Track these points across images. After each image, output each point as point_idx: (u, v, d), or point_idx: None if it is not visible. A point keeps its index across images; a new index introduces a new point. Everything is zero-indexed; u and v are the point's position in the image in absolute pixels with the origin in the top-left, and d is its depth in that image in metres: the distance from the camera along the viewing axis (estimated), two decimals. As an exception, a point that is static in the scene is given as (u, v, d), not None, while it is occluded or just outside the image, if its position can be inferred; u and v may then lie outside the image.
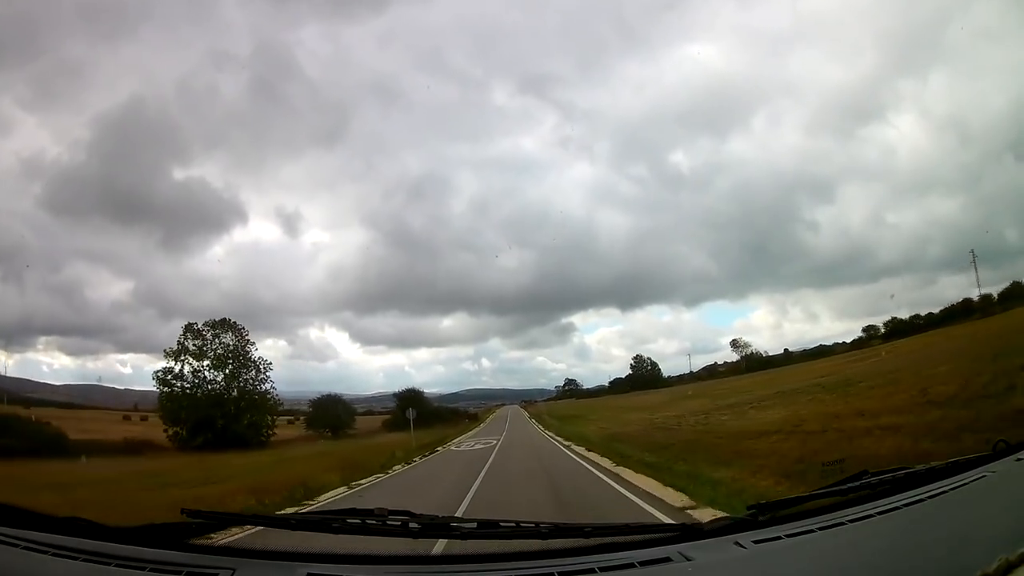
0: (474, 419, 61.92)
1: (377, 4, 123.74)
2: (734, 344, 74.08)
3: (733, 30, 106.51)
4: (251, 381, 40.08)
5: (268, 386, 40.90)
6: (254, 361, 40.67)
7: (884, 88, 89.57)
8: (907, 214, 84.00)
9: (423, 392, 55.44)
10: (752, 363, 65.06)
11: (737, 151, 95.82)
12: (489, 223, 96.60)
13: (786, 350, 64.81)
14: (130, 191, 72.07)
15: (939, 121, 79.99)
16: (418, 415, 36.50)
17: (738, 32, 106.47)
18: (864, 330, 56.56)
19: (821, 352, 56.02)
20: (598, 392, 79.25)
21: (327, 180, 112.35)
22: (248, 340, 41.12)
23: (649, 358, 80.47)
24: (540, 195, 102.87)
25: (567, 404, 70.04)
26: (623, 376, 79.32)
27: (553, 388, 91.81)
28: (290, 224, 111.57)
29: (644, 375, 75.50)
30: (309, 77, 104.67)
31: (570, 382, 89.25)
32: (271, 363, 41.50)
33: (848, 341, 56.21)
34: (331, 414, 47.13)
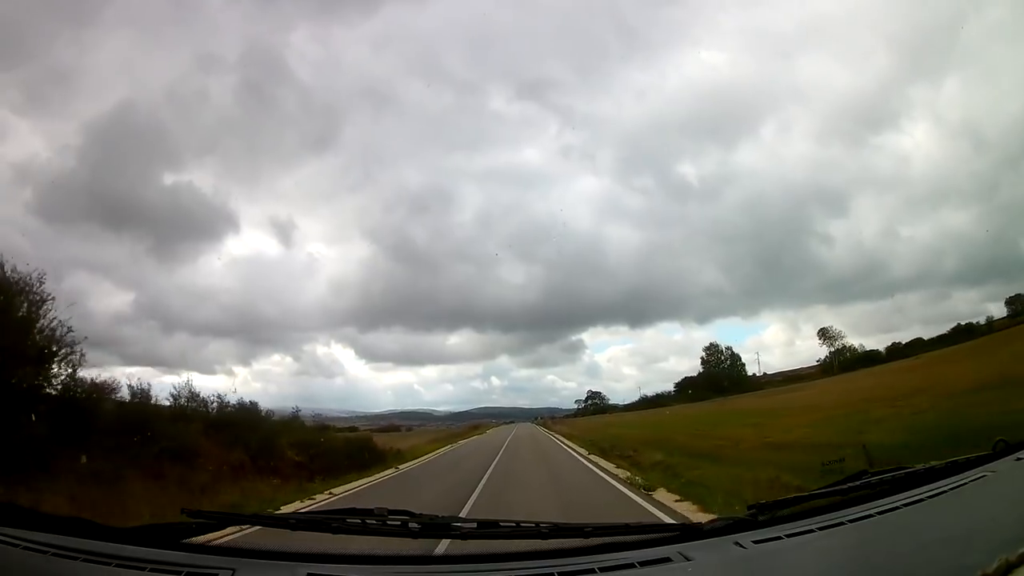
0: (384, 459, 21.60)
1: (368, 6, 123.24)
2: (823, 334, 54.21)
3: (738, 33, 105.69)
4: None
5: None
6: None
7: (896, 94, 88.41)
8: (921, 227, 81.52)
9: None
10: (845, 362, 48.94)
11: (746, 161, 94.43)
12: (492, 236, 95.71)
13: (895, 342, 48.00)
14: (123, 197, 71.06)
15: (953, 128, 78.31)
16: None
17: (744, 36, 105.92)
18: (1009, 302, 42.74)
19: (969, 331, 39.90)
20: (660, 401, 56.51)
21: (326, 191, 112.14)
22: None
23: (728, 347, 59.65)
24: (543, 207, 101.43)
25: (653, 419, 39.59)
26: (694, 375, 58.66)
27: (572, 405, 76.03)
28: (290, 237, 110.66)
29: (724, 372, 55.84)
30: (301, 81, 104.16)
31: (594, 394, 73.91)
32: None
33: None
34: None
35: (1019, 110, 65.95)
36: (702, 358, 60.76)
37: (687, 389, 57.16)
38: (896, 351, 45.49)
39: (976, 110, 77.12)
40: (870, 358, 46.94)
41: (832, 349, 53.57)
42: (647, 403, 60.09)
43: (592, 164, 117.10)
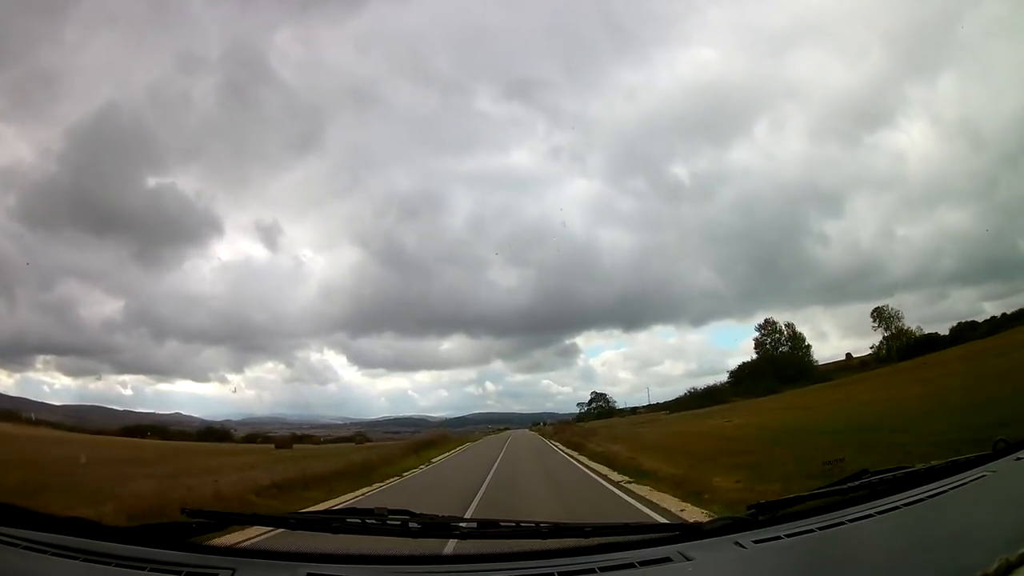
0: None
1: (352, 4, 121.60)
2: (877, 314, 45.71)
3: (730, 30, 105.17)
4: None
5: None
6: None
7: (892, 91, 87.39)
8: (917, 226, 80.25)
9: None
10: (902, 350, 40.99)
11: (740, 161, 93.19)
12: (483, 239, 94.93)
13: (960, 322, 40.77)
14: (106, 200, 70.10)
15: (950, 125, 77.11)
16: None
17: (736, 32, 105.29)
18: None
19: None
20: (714, 395, 45.13)
21: (313, 195, 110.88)
22: None
23: (789, 324, 46.56)
24: (534, 209, 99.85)
25: (739, 427, 24.84)
26: (749, 360, 46.35)
27: (571, 409, 67.34)
28: (277, 242, 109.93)
29: (785, 357, 44.03)
30: (285, 82, 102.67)
31: (599, 396, 65.81)
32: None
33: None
34: None
35: (1017, 107, 64.52)
36: (755, 339, 48.59)
37: (745, 379, 45.06)
38: (961, 332, 40.46)
39: (973, 107, 76.08)
40: (930, 342, 40.98)
41: (887, 333, 45.13)
42: (698, 399, 47.81)
43: (583, 166, 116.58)
